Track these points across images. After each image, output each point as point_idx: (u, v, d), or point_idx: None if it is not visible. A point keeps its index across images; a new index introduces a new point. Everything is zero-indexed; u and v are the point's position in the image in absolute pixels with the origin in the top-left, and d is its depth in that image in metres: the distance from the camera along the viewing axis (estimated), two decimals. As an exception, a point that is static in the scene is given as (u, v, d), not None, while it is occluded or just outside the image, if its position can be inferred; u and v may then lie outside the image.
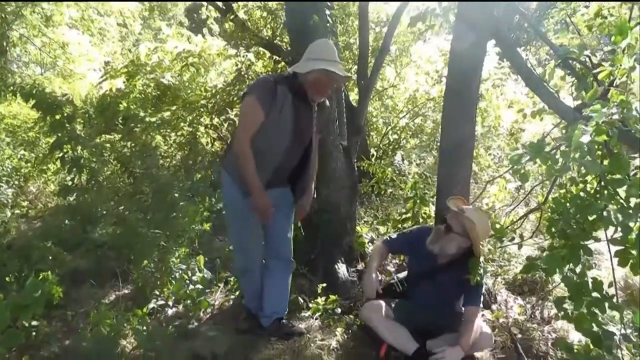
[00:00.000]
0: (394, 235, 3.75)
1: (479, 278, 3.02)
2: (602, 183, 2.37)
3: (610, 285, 2.55)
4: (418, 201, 4.37)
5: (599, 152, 2.39)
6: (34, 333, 3.31)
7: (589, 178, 2.48)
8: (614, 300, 2.49)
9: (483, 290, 3.48)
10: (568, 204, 2.43)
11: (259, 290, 3.56)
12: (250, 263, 3.50)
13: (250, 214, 3.21)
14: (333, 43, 3.29)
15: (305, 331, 3.57)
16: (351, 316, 3.79)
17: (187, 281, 3.77)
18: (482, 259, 3.18)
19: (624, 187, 2.32)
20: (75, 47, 8.93)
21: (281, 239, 3.47)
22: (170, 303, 3.88)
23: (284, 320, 3.60)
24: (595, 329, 2.43)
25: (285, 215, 3.44)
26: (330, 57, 3.09)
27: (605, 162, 2.39)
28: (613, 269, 2.59)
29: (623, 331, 2.56)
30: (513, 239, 2.97)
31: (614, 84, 2.53)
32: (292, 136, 3.18)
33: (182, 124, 6.63)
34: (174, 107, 6.56)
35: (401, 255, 3.68)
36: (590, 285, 2.45)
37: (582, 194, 2.46)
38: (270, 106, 3.08)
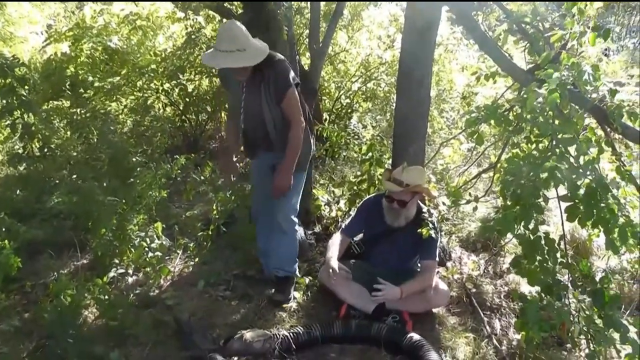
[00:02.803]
0: (347, 221, 3.86)
1: (432, 232, 3.13)
2: (554, 142, 2.47)
3: (560, 239, 2.69)
4: (374, 163, 4.43)
5: (551, 113, 2.48)
6: (-8, 307, 3.26)
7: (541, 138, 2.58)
8: (565, 256, 2.65)
9: (438, 248, 3.61)
10: (521, 163, 2.54)
11: (262, 248, 3.79)
12: (253, 215, 3.86)
13: (253, 174, 3.85)
14: (236, 25, 3.21)
15: (288, 303, 3.59)
16: (310, 278, 3.85)
17: (147, 249, 3.74)
18: (435, 214, 3.30)
19: (574, 146, 2.45)
20: (15, 8, 8.49)
21: (269, 203, 3.56)
22: (130, 271, 3.84)
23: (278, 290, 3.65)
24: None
25: (270, 181, 3.47)
26: (218, 46, 3.17)
27: (557, 122, 2.49)
28: (563, 223, 2.72)
29: (569, 280, 2.72)
30: (469, 201, 3.08)
31: (565, 48, 2.62)
32: (243, 108, 3.40)
33: (132, 89, 6.46)
34: (123, 72, 6.37)
35: (360, 233, 3.78)
36: (542, 241, 2.59)
37: (534, 152, 2.57)
38: (227, 86, 3.58)
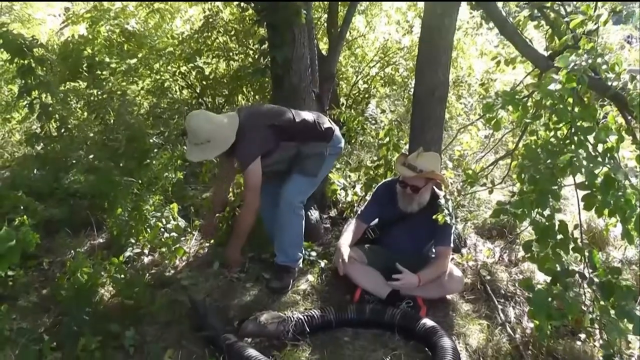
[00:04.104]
0: (362, 207, 3.84)
1: (448, 219, 3.11)
2: (573, 130, 2.43)
3: (575, 228, 2.66)
4: (391, 148, 4.41)
5: (570, 100, 2.44)
6: (10, 283, 3.32)
7: (560, 125, 2.54)
8: (578, 242, 2.61)
9: (453, 235, 3.59)
10: (539, 150, 2.51)
11: (269, 231, 3.86)
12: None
13: None
14: (197, 117, 3.33)
15: (285, 291, 3.56)
16: (325, 261, 3.86)
17: (162, 229, 3.78)
18: (451, 200, 3.28)
19: (593, 134, 2.41)
20: (34, -10, 8.55)
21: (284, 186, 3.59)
22: (146, 251, 3.89)
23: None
24: (558, 268, 2.55)
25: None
26: (189, 138, 3.35)
27: (576, 110, 2.45)
28: (580, 212, 2.69)
29: (583, 270, 2.69)
30: (484, 184, 3.05)
31: (586, 32, 2.58)
32: None
33: (149, 72, 6.48)
34: (140, 54, 6.39)
35: (376, 218, 3.76)
36: (556, 227, 2.56)
37: (552, 140, 2.53)
38: None
